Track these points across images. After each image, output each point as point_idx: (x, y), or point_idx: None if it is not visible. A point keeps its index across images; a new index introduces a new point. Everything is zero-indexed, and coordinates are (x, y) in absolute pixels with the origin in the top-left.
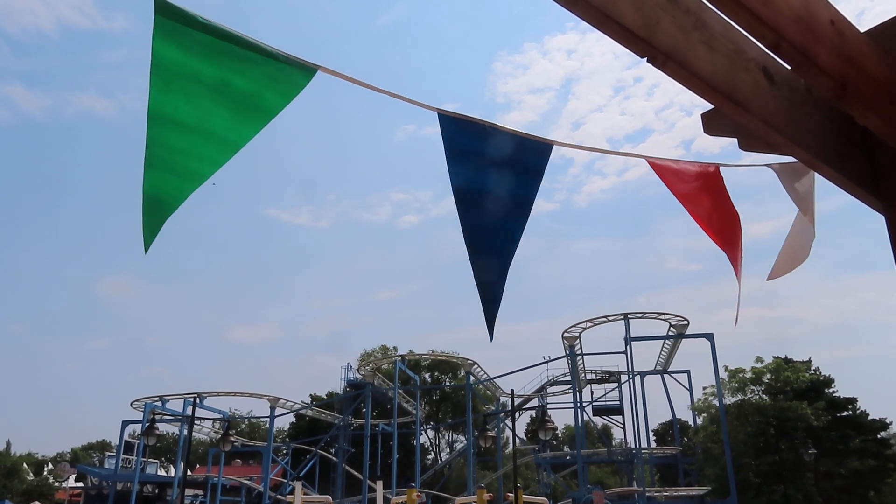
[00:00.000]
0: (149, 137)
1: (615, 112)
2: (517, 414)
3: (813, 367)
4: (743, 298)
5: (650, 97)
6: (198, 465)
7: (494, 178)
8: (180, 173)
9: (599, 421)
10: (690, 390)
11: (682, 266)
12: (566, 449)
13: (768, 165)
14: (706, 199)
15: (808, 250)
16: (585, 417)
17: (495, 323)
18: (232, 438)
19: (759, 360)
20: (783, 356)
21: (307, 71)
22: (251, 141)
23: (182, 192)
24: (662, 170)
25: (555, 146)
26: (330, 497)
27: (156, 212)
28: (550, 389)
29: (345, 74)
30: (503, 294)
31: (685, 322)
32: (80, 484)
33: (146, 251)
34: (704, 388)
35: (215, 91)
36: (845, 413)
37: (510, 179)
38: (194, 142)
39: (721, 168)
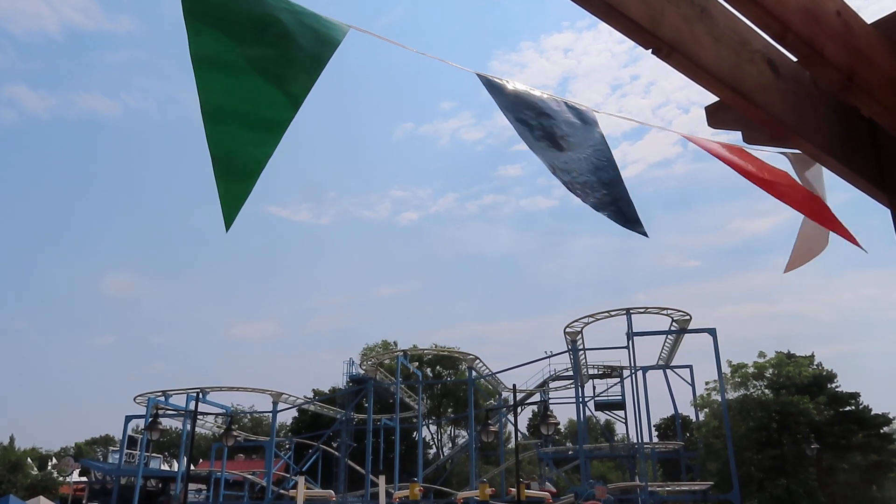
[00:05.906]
0: (199, 88)
1: (612, 110)
2: (519, 409)
3: (815, 362)
4: (743, 295)
5: (647, 95)
6: (201, 460)
7: (555, 124)
8: (245, 133)
9: (601, 416)
10: (693, 385)
11: (682, 262)
12: (568, 444)
13: (782, 153)
14: (753, 166)
15: (825, 240)
16: (587, 412)
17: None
18: (235, 433)
19: (761, 354)
20: (786, 351)
21: (339, 28)
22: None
23: (256, 156)
24: (702, 144)
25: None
26: (332, 492)
27: (231, 182)
28: (552, 384)
29: (377, 34)
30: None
31: (687, 317)
32: (84, 478)
33: (227, 230)
34: (707, 383)
35: (258, 32)
36: (848, 408)
37: (573, 123)
38: (252, 92)
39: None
